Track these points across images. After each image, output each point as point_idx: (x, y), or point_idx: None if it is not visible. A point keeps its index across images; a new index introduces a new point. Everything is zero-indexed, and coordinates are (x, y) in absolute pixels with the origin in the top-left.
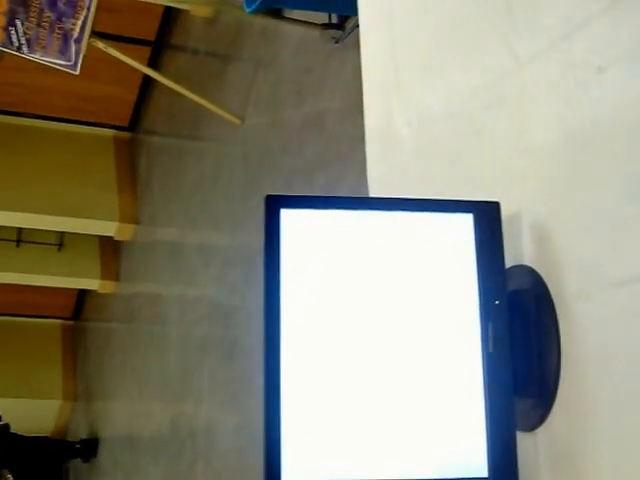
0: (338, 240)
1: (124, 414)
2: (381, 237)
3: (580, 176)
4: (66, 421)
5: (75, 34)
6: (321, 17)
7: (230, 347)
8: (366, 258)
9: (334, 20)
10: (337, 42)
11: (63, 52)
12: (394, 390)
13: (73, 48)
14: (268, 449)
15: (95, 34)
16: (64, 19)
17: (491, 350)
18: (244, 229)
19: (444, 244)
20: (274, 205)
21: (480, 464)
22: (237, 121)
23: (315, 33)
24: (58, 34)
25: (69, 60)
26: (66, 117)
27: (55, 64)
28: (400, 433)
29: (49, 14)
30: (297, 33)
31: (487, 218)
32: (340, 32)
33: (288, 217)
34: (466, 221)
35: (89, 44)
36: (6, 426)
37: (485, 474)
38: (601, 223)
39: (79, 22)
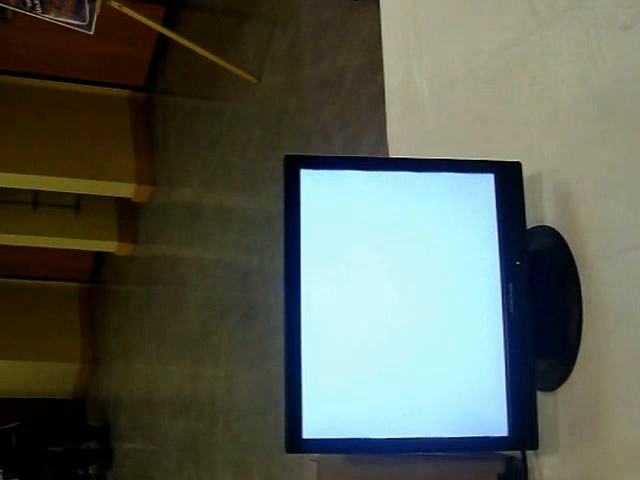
0: (358, 200)
1: (143, 376)
2: (402, 198)
3: (603, 136)
4: (85, 383)
5: None
6: None
7: (248, 309)
8: (386, 219)
9: None
10: (355, 0)
11: (77, 12)
12: (415, 349)
13: (87, 8)
14: (289, 405)
15: None
16: None
17: (512, 310)
18: (261, 190)
19: (465, 204)
20: (293, 165)
21: (500, 423)
22: (254, 80)
23: None
24: None
25: (83, 20)
26: (81, 78)
27: (69, 24)
28: (420, 392)
29: None
30: None
31: (508, 178)
32: None
33: (307, 177)
34: (487, 181)
35: (103, 3)
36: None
37: (505, 433)
38: (624, 185)
39: None
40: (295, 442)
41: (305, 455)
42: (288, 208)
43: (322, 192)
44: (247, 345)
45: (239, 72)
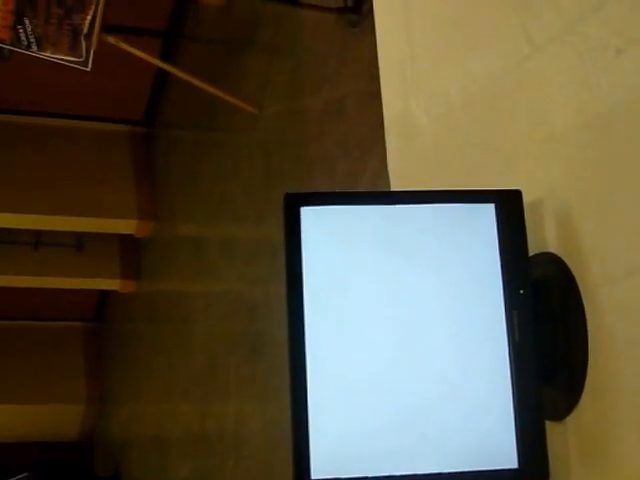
0: (359, 235)
1: (151, 415)
2: (402, 231)
3: (602, 160)
4: (91, 425)
5: (85, 29)
6: (336, 1)
7: (255, 342)
8: (388, 252)
9: (349, 4)
10: (354, 26)
11: (73, 48)
12: (421, 382)
13: (83, 44)
14: (296, 446)
15: (105, 28)
16: (73, 15)
17: (517, 340)
18: (266, 221)
19: (466, 235)
20: (293, 203)
21: (510, 455)
22: (255, 110)
23: (331, 18)
24: (67, 30)
25: (80, 56)
26: (79, 114)
27: (66, 61)
28: (428, 426)
29: (57, 11)
30: (313, 18)
31: (509, 207)
32: (357, 16)
33: (308, 214)
34: (488, 211)
35: (100, 39)
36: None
37: (515, 465)
38: (624, 208)
39: (88, 17)
40: None
41: None
42: (289, 246)
43: (323, 228)
44: (256, 379)
45: (240, 103)
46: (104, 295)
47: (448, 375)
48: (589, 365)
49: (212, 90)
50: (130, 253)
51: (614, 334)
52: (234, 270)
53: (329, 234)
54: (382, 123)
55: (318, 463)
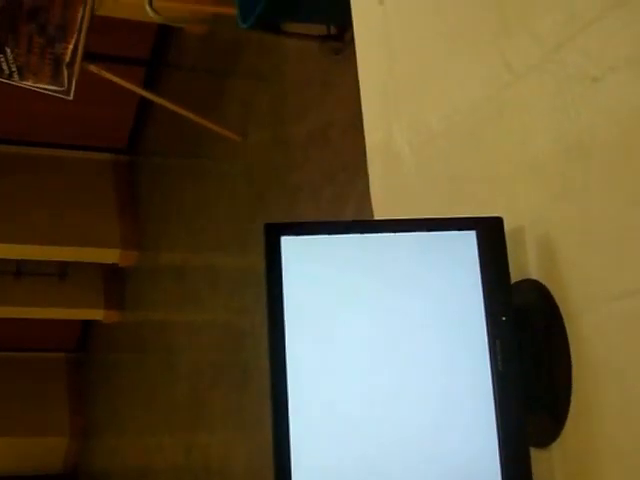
0: (341, 264)
1: (135, 448)
2: (384, 259)
3: (582, 187)
4: (75, 458)
5: (67, 58)
6: (319, 29)
7: (241, 372)
8: (370, 281)
9: (332, 32)
10: (337, 54)
11: (55, 78)
12: (406, 412)
13: (65, 73)
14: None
15: (88, 56)
16: (55, 44)
17: (500, 367)
18: (250, 250)
19: (448, 263)
20: (273, 233)
21: None
22: (238, 138)
23: (314, 46)
24: (49, 60)
25: (62, 85)
26: (62, 143)
27: (48, 90)
28: (412, 455)
29: (39, 40)
30: (296, 46)
31: (490, 234)
32: (340, 43)
33: (288, 244)
34: (469, 239)
35: (81, 68)
36: None
37: None
38: (605, 234)
39: (70, 46)
40: None
41: None
42: (270, 276)
43: (304, 258)
44: (242, 410)
45: (223, 131)
46: (88, 325)
47: (432, 404)
48: (573, 392)
49: (195, 118)
50: (114, 282)
51: (597, 360)
52: (219, 299)
53: (310, 263)
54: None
55: None
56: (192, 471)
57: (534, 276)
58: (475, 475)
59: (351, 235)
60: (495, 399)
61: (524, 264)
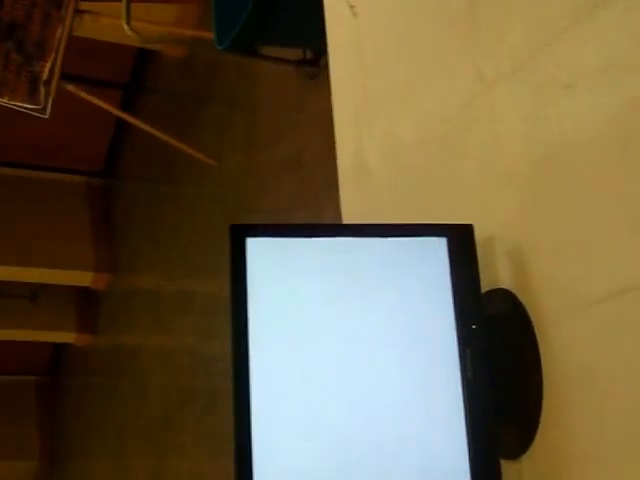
0: (307, 268)
1: (105, 472)
2: (353, 264)
3: (553, 196)
4: None
5: (44, 76)
6: (295, 54)
7: (211, 396)
8: (337, 286)
9: (309, 56)
10: (312, 78)
11: (31, 96)
12: (372, 419)
13: (42, 91)
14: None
15: (66, 77)
16: (33, 62)
17: (470, 376)
18: (223, 274)
19: (418, 269)
20: (239, 234)
21: None
22: (213, 162)
23: (290, 70)
24: (26, 77)
25: (38, 104)
26: (38, 164)
27: (24, 108)
28: (381, 466)
29: (17, 57)
30: (272, 71)
31: (461, 241)
32: (315, 68)
33: (254, 246)
34: (440, 245)
35: (59, 87)
36: None
37: None
38: (575, 242)
39: (48, 64)
40: None
41: None
42: (234, 277)
43: (269, 260)
44: (212, 434)
45: (198, 155)
46: (59, 348)
47: (401, 415)
48: (544, 402)
49: (171, 141)
50: (86, 306)
51: (568, 369)
52: (190, 324)
53: (276, 266)
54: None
55: None
56: None
57: (505, 285)
58: None
59: (319, 239)
60: (465, 409)
61: (495, 273)
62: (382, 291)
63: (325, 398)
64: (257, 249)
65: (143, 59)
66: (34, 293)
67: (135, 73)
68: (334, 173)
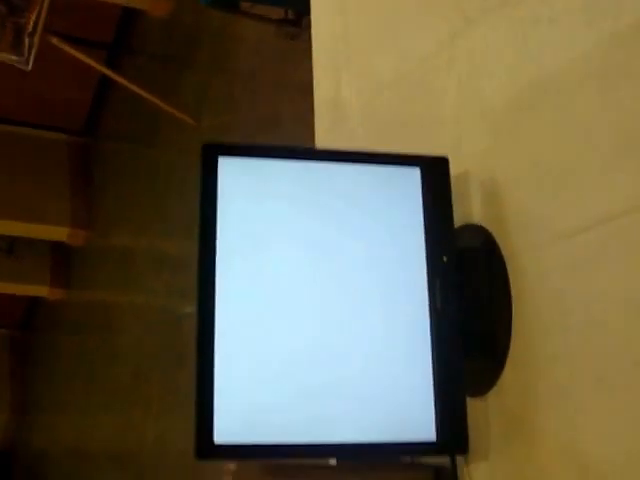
0: (278, 190)
1: (73, 426)
2: (325, 189)
3: (527, 131)
4: (13, 434)
5: (29, 28)
6: (278, 13)
7: (179, 353)
8: (308, 211)
9: (290, 16)
10: (292, 39)
11: (15, 47)
12: (338, 349)
13: (27, 42)
14: (200, 408)
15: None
16: (18, 13)
17: (439, 308)
18: (195, 234)
19: (391, 198)
20: (211, 153)
21: (428, 427)
22: (193, 122)
23: (270, 30)
24: (10, 29)
25: (21, 55)
26: (19, 120)
27: (6, 59)
28: (343, 395)
29: (2, 8)
30: (254, 33)
31: (435, 173)
32: (297, 29)
33: (226, 165)
34: (413, 175)
35: (43, 40)
36: None
37: (433, 438)
38: (548, 176)
39: (33, 16)
40: (206, 447)
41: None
42: (204, 196)
43: (241, 181)
44: (179, 390)
45: (178, 114)
46: (33, 303)
47: (368, 344)
48: (512, 336)
49: (152, 99)
50: (61, 261)
51: (537, 303)
52: (162, 282)
53: (247, 186)
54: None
55: (222, 428)
56: (128, 450)
57: (478, 220)
58: (408, 417)
59: (292, 161)
60: (432, 341)
61: (468, 208)
62: (354, 217)
63: (290, 326)
64: (229, 169)
65: (127, 19)
66: (10, 246)
67: (119, 34)
68: (311, 134)
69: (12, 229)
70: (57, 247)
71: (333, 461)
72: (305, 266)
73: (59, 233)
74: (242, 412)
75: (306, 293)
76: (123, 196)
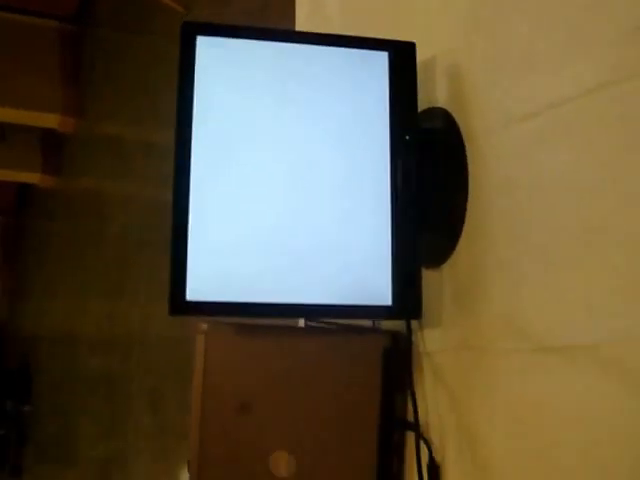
0: (254, 70)
1: (63, 311)
2: (299, 68)
3: (490, 22)
4: (4, 317)
5: None
6: None
7: (166, 239)
8: (283, 88)
9: None
10: None
11: None
12: (306, 221)
13: None
14: (174, 268)
15: None
16: None
17: (400, 185)
18: None
19: (359, 79)
20: (190, 31)
21: (385, 293)
22: (182, 10)
23: None
24: None
25: None
26: (8, 5)
27: None
28: (308, 260)
29: None
30: None
31: (402, 57)
32: None
33: (205, 44)
34: (382, 59)
35: None
36: None
37: (389, 302)
38: (506, 64)
39: None
40: (179, 304)
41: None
42: (182, 75)
43: (219, 59)
44: (165, 273)
45: (168, 1)
46: (23, 190)
47: (333, 218)
48: (467, 213)
49: None
50: (52, 148)
51: (491, 183)
52: (152, 170)
53: (224, 66)
54: None
55: (194, 286)
56: (114, 333)
57: (442, 104)
58: (367, 283)
59: (270, 42)
60: (392, 215)
61: (433, 93)
62: (324, 95)
63: (261, 199)
64: (207, 48)
65: None
66: (1, 132)
67: None
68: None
69: (3, 115)
70: (48, 134)
71: (302, 323)
72: (274, 141)
73: (50, 120)
74: (214, 273)
75: (276, 171)
76: (115, 84)
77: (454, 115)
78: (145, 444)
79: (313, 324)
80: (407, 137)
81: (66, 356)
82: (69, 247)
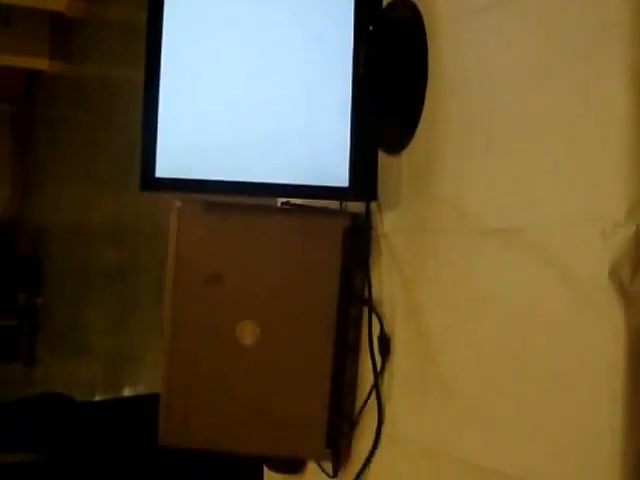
0: None
1: (72, 203)
2: None
3: None
4: (15, 208)
5: None
6: None
7: None
8: None
9: None
10: None
11: None
12: (269, 104)
13: None
14: (145, 148)
15: None
16: None
17: (362, 72)
18: None
19: None
20: None
21: (342, 175)
22: None
23: None
24: None
25: None
26: None
27: None
28: (271, 142)
29: None
30: None
31: None
32: None
33: None
34: None
35: None
36: None
37: (346, 184)
38: None
39: None
40: (148, 180)
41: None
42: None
43: None
44: None
45: None
46: (32, 78)
47: (296, 99)
48: (425, 103)
49: None
50: (60, 32)
51: (450, 72)
52: None
53: None
54: None
55: (163, 164)
56: (124, 224)
57: None
58: (326, 165)
59: None
60: (353, 99)
61: None
62: None
63: (225, 86)
64: None
65: None
66: (7, 16)
67: None
68: None
69: None
70: (56, 18)
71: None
72: (242, 29)
73: (57, 2)
74: (181, 152)
75: (243, 61)
76: None
77: (419, 6)
78: (154, 335)
79: (286, 206)
80: (370, 27)
81: (77, 247)
82: (78, 137)
